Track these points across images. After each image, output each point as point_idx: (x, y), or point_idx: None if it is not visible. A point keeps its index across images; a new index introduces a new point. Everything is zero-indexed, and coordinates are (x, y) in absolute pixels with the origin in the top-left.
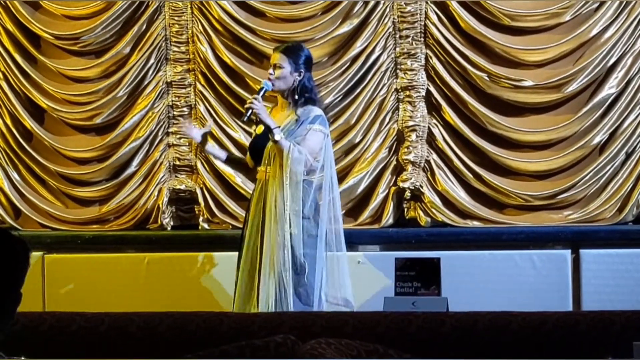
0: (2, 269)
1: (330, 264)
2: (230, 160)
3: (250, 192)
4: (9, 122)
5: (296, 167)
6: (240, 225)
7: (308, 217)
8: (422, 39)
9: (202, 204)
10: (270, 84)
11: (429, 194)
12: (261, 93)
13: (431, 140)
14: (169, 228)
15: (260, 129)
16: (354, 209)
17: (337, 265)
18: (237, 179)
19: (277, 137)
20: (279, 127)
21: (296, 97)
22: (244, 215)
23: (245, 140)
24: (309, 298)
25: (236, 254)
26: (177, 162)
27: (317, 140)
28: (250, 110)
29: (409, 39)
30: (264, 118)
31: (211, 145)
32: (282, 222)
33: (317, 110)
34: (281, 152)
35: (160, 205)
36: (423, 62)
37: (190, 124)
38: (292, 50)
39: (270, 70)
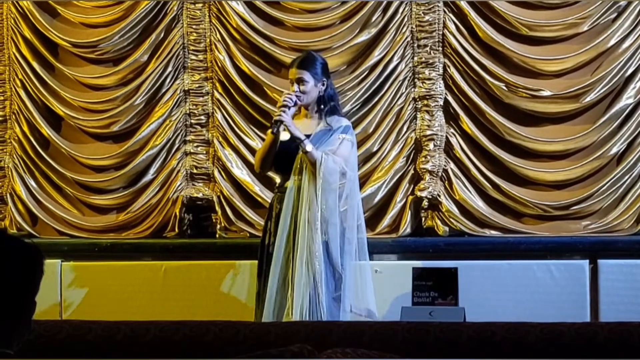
0: (18, 277)
1: (354, 274)
2: None
3: (269, 200)
4: (26, 129)
5: (331, 176)
6: (258, 234)
7: (340, 224)
8: (440, 48)
9: (219, 212)
10: (295, 98)
11: (447, 203)
12: (290, 107)
13: (449, 150)
14: (186, 236)
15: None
16: (371, 218)
17: (360, 274)
18: (255, 187)
19: (308, 148)
20: (309, 137)
21: (322, 106)
22: (262, 223)
23: None
24: (340, 307)
25: (254, 262)
26: (194, 170)
27: (348, 149)
28: (279, 123)
29: (427, 48)
30: (293, 130)
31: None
32: (317, 231)
33: (346, 121)
34: (313, 163)
35: (178, 213)
36: (441, 71)
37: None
38: (308, 62)
39: (296, 87)
